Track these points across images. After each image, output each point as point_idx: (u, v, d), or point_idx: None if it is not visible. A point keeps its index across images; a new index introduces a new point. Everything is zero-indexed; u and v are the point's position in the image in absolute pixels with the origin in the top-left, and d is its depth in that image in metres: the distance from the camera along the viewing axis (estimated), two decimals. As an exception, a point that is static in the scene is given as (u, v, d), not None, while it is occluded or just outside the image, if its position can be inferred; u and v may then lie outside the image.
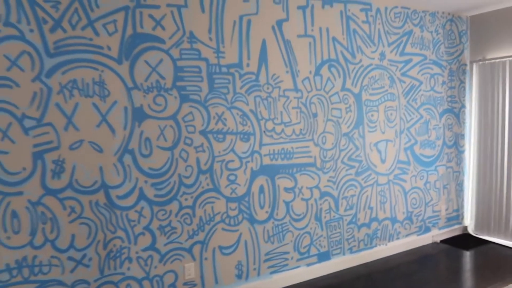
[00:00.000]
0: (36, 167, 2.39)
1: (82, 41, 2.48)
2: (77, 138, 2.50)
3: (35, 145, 2.38)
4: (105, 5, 2.54)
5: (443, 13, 4.29)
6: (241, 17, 3.05)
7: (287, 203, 3.35)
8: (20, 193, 2.35)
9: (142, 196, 2.74)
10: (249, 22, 3.08)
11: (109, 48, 2.57)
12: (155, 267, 2.82)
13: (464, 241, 4.41)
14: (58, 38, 2.41)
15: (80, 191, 2.53)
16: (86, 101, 2.52)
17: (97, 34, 2.53)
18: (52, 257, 2.47)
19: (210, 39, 2.93)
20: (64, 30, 2.42)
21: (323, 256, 3.60)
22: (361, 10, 3.68)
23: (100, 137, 2.57)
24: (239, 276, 3.17)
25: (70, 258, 2.52)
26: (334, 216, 3.63)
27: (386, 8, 3.83)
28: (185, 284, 2.94)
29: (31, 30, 2.33)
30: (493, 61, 4.27)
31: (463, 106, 4.53)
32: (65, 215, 2.49)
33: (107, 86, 2.57)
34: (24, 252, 2.39)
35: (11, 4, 2.27)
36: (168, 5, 2.75)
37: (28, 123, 2.35)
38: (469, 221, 4.64)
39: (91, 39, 2.51)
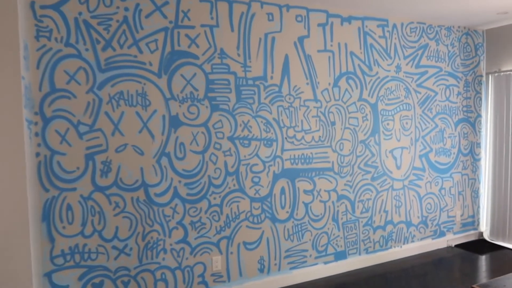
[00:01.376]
0: (87, 166, 2.77)
1: (128, 58, 2.86)
2: (122, 142, 2.87)
3: (87, 148, 2.77)
4: (148, 26, 2.92)
5: (458, 27, 4.49)
6: (266, 35, 3.37)
7: (306, 204, 3.63)
8: (74, 189, 2.74)
9: (176, 194, 3.08)
10: (273, 39, 3.40)
11: (150, 64, 2.94)
12: (187, 258, 3.15)
13: (479, 246, 4.56)
14: (109, 55, 2.79)
15: (124, 189, 2.89)
16: (131, 110, 2.89)
17: (140, 51, 2.90)
18: (99, 245, 2.83)
19: (238, 54, 3.26)
20: (114, 49, 2.81)
21: (340, 255, 3.85)
22: (378, 26, 3.94)
23: (141, 142, 2.93)
24: (261, 270, 3.46)
25: (114, 247, 2.88)
26: (350, 218, 3.88)
27: (402, 24, 4.08)
28: (212, 275, 3.26)
29: (87, 49, 2.73)
30: (508, 72, 4.43)
31: (479, 115, 4.70)
32: (111, 209, 2.86)
33: (148, 97, 2.94)
34: (76, 240, 2.76)
35: (71, 27, 2.67)
36: (202, 26, 3.11)
37: (82, 128, 2.74)
38: (484, 227, 4.78)
39: (135, 56, 2.89)
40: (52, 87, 2.64)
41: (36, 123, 2.60)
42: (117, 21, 2.82)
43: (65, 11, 2.66)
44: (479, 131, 4.72)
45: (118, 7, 2.81)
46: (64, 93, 2.68)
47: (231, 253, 3.33)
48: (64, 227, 2.72)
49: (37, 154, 2.62)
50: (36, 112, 2.60)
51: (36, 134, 2.61)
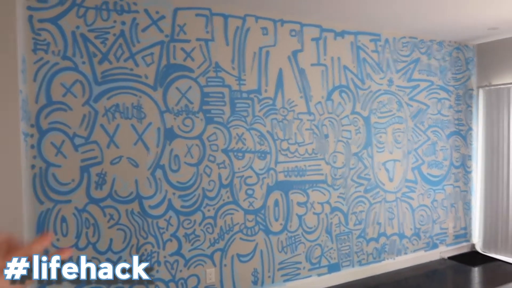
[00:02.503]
0: (82, 179, 2.78)
1: (124, 71, 2.90)
2: (117, 154, 2.89)
3: (83, 160, 2.78)
4: (144, 40, 2.96)
5: (450, 42, 4.59)
6: (260, 49, 3.43)
7: (299, 217, 3.65)
8: (69, 201, 2.75)
9: (170, 206, 3.09)
10: (267, 53, 3.46)
11: (146, 77, 2.98)
12: (180, 270, 3.15)
13: (471, 258, 4.59)
14: (105, 68, 2.83)
15: (118, 201, 2.91)
16: (126, 122, 2.91)
17: (137, 65, 2.94)
18: (93, 257, 2.83)
19: (233, 68, 3.31)
20: (110, 62, 2.85)
21: (333, 267, 3.87)
22: (371, 40, 4.02)
23: (136, 154, 2.96)
24: (255, 283, 3.47)
25: (108, 260, 2.88)
26: (343, 230, 3.91)
27: (394, 38, 4.16)
28: (206, 287, 3.25)
29: (83, 62, 2.76)
30: (498, 87, 4.52)
31: (470, 128, 4.77)
32: (105, 221, 2.87)
33: (143, 109, 2.97)
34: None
35: (68, 41, 2.71)
36: (198, 40, 3.16)
37: (77, 141, 2.76)
38: (477, 239, 4.82)
39: (131, 69, 2.92)
40: (49, 99, 2.66)
41: (32, 136, 2.62)
42: (114, 34, 2.86)
43: (63, 24, 2.69)
44: (470, 144, 4.78)
45: (115, 21, 2.86)
46: (60, 105, 2.70)
47: (225, 265, 3.33)
48: (58, 240, 2.72)
49: (33, 166, 2.63)
50: (32, 124, 2.62)
51: (32, 146, 2.62)
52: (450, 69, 4.60)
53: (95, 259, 2.83)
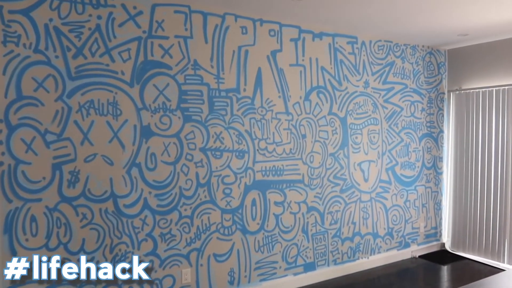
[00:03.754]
0: (54, 176, 2.69)
1: (99, 66, 2.82)
2: (92, 151, 2.81)
3: (55, 157, 2.69)
4: (121, 35, 2.89)
5: (423, 46, 4.71)
6: (239, 48, 3.42)
7: (276, 216, 3.66)
8: (39, 200, 2.64)
9: (146, 205, 3.03)
10: (246, 52, 3.45)
11: (122, 73, 2.91)
12: (155, 271, 3.09)
13: (441, 256, 4.73)
14: (79, 63, 2.74)
15: (92, 200, 2.82)
16: (101, 119, 2.83)
17: (113, 60, 2.87)
18: (64, 258, 2.73)
19: (212, 66, 3.28)
20: (85, 57, 2.76)
21: (309, 267, 3.89)
22: (348, 42, 4.08)
23: (111, 152, 2.88)
24: (231, 282, 3.45)
25: (79, 260, 2.78)
26: (319, 230, 3.94)
27: (370, 41, 4.24)
28: (181, 288, 3.21)
29: (57, 56, 2.67)
30: (468, 91, 4.68)
31: (441, 131, 4.92)
32: (78, 220, 2.78)
33: (119, 106, 2.90)
34: (39, 253, 2.65)
35: (41, 33, 2.61)
36: (176, 36, 3.11)
37: (49, 137, 2.66)
38: (446, 238, 4.98)
39: (107, 65, 2.85)
40: (19, 94, 2.56)
41: (0, 131, 2.51)
42: (89, 29, 2.78)
43: (35, 16, 2.59)
44: (442, 146, 4.93)
45: (90, 15, 2.78)
46: (32, 100, 2.60)
47: (201, 265, 3.29)
48: (27, 240, 2.61)
49: (1, 163, 2.52)
50: (0, 119, 2.51)
51: (0, 142, 2.51)
52: (423, 73, 4.73)
53: (66, 260, 2.73)
